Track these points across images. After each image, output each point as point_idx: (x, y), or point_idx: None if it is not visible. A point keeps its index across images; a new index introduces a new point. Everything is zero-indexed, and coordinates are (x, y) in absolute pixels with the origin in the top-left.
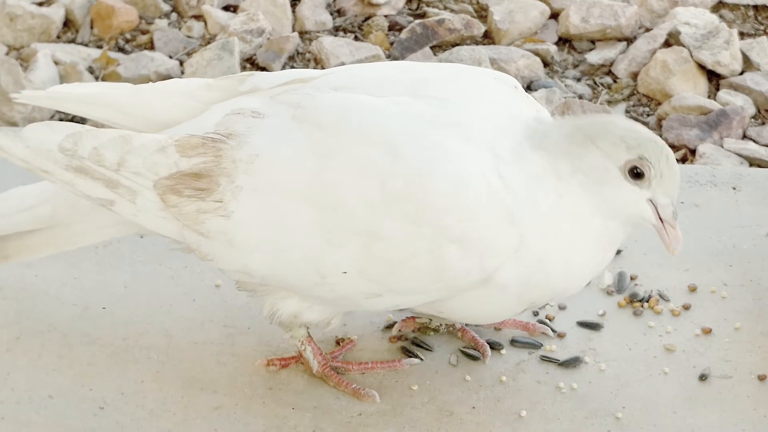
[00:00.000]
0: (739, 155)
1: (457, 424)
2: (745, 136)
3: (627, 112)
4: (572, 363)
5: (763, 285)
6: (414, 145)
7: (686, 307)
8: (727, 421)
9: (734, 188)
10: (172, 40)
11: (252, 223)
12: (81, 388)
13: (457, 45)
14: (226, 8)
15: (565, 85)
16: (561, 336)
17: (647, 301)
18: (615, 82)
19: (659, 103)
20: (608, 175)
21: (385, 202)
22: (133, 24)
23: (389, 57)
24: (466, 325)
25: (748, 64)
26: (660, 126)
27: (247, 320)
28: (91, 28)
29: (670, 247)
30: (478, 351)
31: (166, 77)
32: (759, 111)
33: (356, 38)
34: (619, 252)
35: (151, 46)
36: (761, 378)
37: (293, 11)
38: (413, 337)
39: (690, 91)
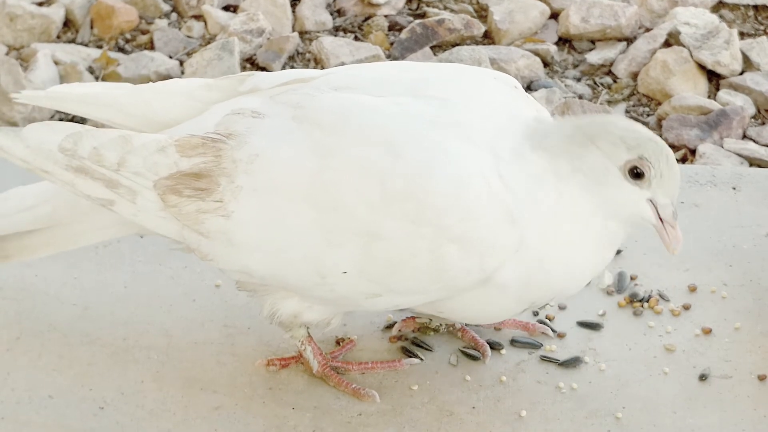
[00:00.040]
0: (739, 155)
1: (457, 424)
2: (745, 136)
3: (627, 112)
4: (572, 363)
5: (763, 285)
6: (414, 145)
7: (686, 307)
8: (727, 421)
9: (734, 188)
10: (172, 40)
11: (252, 223)
12: (81, 388)
13: (457, 45)
14: (226, 8)
15: (565, 85)
16: (561, 336)
17: (647, 301)
18: (615, 82)
19: (659, 103)
20: (608, 175)
21: (385, 202)
22: (133, 24)
23: (389, 57)
24: (466, 325)
25: (748, 64)
26: (660, 126)
27: (247, 320)
28: (91, 28)
29: (670, 247)
30: (478, 351)
31: (166, 77)
32: (759, 111)
33: (356, 38)
34: (619, 252)
35: (151, 46)
36: (761, 378)
37: (293, 11)
38: (413, 337)
39: (690, 91)
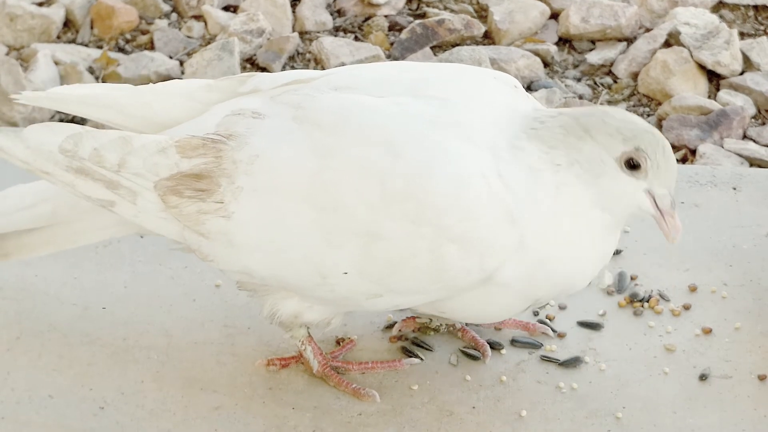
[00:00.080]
0: (740, 155)
1: (457, 423)
2: (745, 137)
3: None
4: (572, 363)
5: (763, 285)
6: (414, 145)
7: (686, 307)
8: (727, 421)
9: (734, 188)
10: (172, 41)
11: (252, 224)
12: (81, 388)
13: (458, 45)
14: (226, 8)
15: (566, 86)
16: (561, 336)
17: (647, 301)
18: (615, 82)
19: (659, 104)
20: (605, 167)
21: (385, 202)
22: (133, 24)
23: (389, 57)
24: (467, 325)
25: (748, 64)
26: (660, 126)
27: (247, 320)
28: (91, 28)
29: (669, 236)
30: (479, 351)
31: (166, 77)
32: (759, 111)
33: (356, 38)
34: (619, 252)
35: (151, 46)
36: (761, 378)
37: (293, 11)
38: (413, 337)
39: (690, 91)
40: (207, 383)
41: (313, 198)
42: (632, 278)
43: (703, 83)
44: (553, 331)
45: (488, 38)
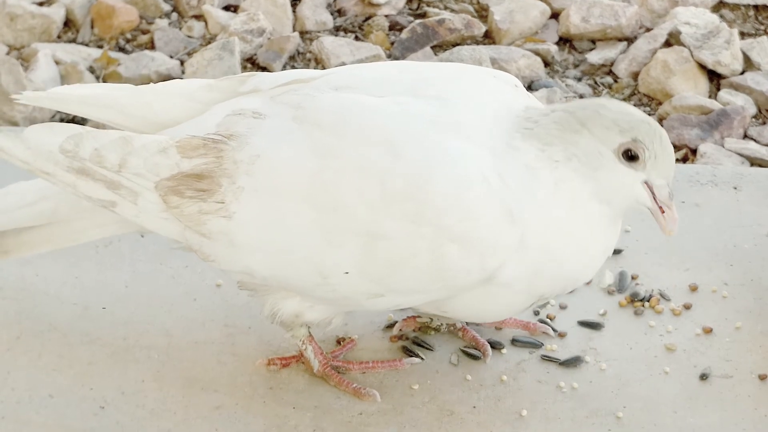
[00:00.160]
0: (740, 155)
1: (457, 423)
2: (746, 136)
3: None
4: (573, 362)
5: (764, 284)
6: (414, 145)
7: (687, 307)
8: (728, 420)
9: (735, 188)
10: (172, 40)
11: (253, 224)
12: (81, 388)
13: (458, 45)
14: (227, 8)
15: (566, 85)
16: (562, 335)
17: (648, 301)
18: (615, 81)
19: (660, 103)
20: (602, 159)
21: (385, 202)
22: (133, 24)
23: (390, 57)
24: (467, 324)
25: (748, 63)
26: (661, 125)
27: (247, 320)
28: (92, 27)
29: (666, 229)
30: (479, 350)
31: (167, 77)
32: (760, 111)
33: (357, 38)
34: (620, 252)
35: (151, 45)
36: (762, 377)
37: (294, 11)
38: (414, 336)
39: (691, 90)
40: (208, 383)
41: (314, 198)
42: (633, 278)
43: (703, 83)
44: (554, 330)
45: (489, 38)
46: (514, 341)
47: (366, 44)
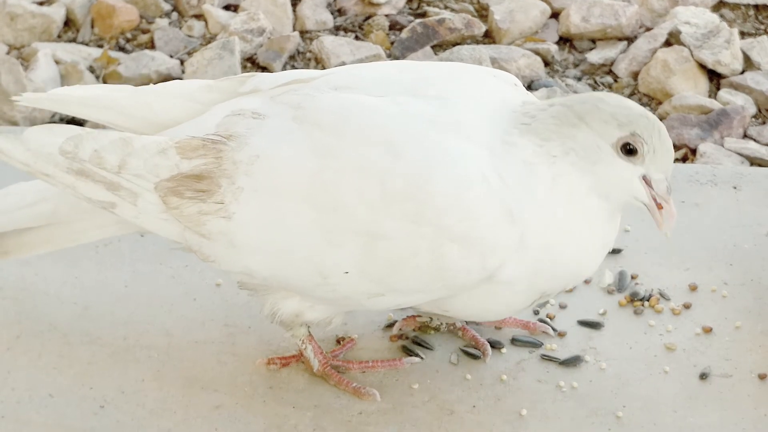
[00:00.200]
0: (740, 154)
1: (457, 422)
2: (745, 136)
3: None
4: (573, 362)
5: (764, 284)
6: (414, 144)
7: (687, 306)
8: (728, 420)
9: (735, 187)
10: (172, 40)
11: (253, 225)
12: (81, 387)
13: (458, 44)
14: (227, 8)
15: (566, 85)
16: (561, 335)
17: (648, 300)
18: (615, 81)
19: (660, 103)
20: (600, 153)
21: (385, 202)
22: (133, 23)
23: (390, 56)
24: (467, 323)
25: (748, 63)
26: None
27: (247, 319)
28: (92, 27)
29: (662, 226)
30: (479, 350)
31: (167, 76)
32: (760, 110)
33: (357, 38)
34: (619, 251)
35: (151, 45)
36: (762, 377)
37: (294, 10)
38: (414, 335)
39: (690, 90)
40: (207, 382)
41: (314, 198)
42: (633, 277)
43: (703, 82)
44: (554, 330)
45: (489, 37)
46: (514, 341)
47: (366, 44)
